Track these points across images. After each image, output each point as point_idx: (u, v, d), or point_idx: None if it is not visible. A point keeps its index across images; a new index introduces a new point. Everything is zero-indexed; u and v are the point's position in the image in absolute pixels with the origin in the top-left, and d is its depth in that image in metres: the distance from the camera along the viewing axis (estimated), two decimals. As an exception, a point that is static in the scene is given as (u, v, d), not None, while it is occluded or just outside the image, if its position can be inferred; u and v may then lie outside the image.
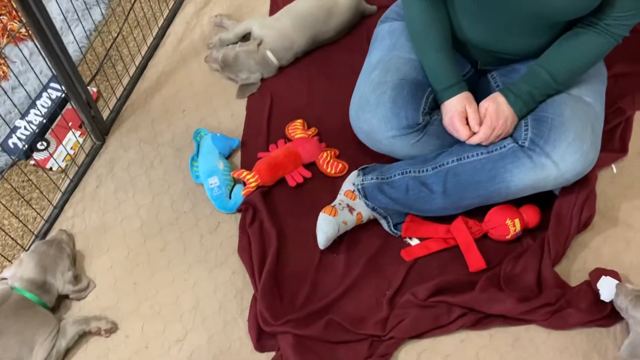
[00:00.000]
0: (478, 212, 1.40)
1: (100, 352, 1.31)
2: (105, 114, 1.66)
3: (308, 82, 1.73)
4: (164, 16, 1.90)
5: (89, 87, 1.60)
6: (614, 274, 1.32)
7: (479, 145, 1.31)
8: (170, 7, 1.92)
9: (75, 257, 1.43)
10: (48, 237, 1.43)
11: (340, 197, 1.45)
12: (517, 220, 1.36)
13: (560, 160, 1.24)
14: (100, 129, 1.62)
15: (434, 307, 1.30)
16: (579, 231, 1.40)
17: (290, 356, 1.24)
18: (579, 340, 1.28)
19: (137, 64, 1.78)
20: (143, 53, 1.81)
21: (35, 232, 1.48)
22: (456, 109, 1.29)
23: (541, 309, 1.27)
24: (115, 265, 1.42)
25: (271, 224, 1.43)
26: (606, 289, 1.28)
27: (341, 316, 1.31)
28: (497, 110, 1.27)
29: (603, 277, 1.29)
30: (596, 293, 1.29)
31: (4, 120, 1.51)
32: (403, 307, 1.31)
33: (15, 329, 1.23)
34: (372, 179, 1.43)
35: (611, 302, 1.27)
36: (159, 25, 1.87)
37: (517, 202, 1.38)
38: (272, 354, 1.28)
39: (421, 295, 1.31)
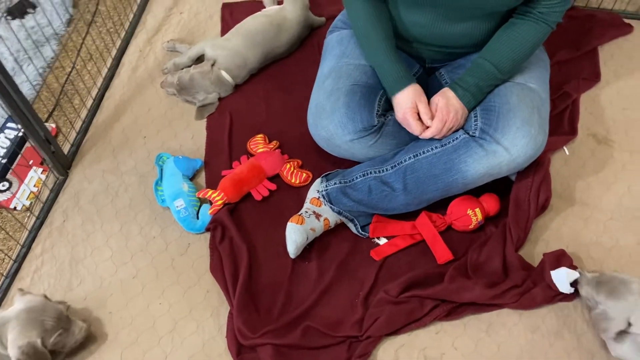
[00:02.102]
0: (440, 206, 1.44)
1: (80, 385, 1.30)
2: (65, 149, 1.66)
3: (265, 97, 1.76)
4: (117, 46, 1.91)
5: (47, 124, 1.61)
6: (561, 255, 1.35)
7: (432, 140, 1.36)
8: (122, 37, 1.94)
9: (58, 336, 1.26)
10: (68, 313, 1.29)
11: (307, 205, 1.48)
12: (478, 210, 1.40)
13: (511, 145, 1.28)
14: (62, 164, 1.62)
15: (407, 303, 1.32)
16: (539, 214, 1.44)
17: (271, 367, 1.25)
18: (549, 319, 1.32)
19: (93, 96, 1.79)
20: (99, 85, 1.82)
21: (4, 273, 1.47)
22: (407, 105, 1.33)
23: (509, 292, 1.31)
24: (89, 297, 1.42)
25: (241, 240, 1.45)
26: (560, 280, 1.29)
27: (318, 322, 1.32)
28: (447, 104, 1.31)
29: (552, 272, 1.30)
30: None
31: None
32: (377, 305, 1.33)
33: None
34: (335, 184, 1.46)
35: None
36: (112, 56, 1.88)
37: (477, 192, 1.42)
38: (254, 367, 1.29)
39: (393, 292, 1.33)
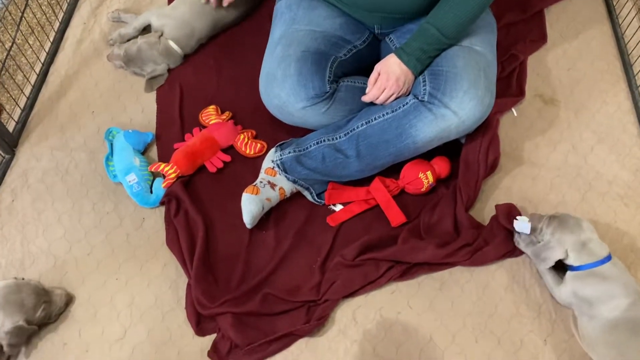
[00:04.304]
0: (393, 171, 1.46)
1: (39, 364, 1.29)
2: (10, 127, 1.61)
3: (216, 67, 1.73)
4: (60, 19, 1.84)
5: (-12, 101, 1.55)
6: (512, 207, 1.41)
7: (383, 106, 1.37)
8: (64, 9, 1.87)
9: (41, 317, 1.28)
10: (46, 287, 1.31)
11: (262, 175, 1.48)
12: (429, 173, 1.43)
13: (459, 108, 1.31)
14: (8, 142, 1.57)
15: (362, 265, 1.35)
16: (488, 174, 1.48)
17: (231, 334, 1.27)
18: (499, 274, 1.37)
19: (37, 71, 1.73)
20: (42, 59, 1.75)
21: (-48, 257, 1.43)
22: None
23: (461, 250, 1.35)
24: (43, 276, 1.40)
25: (196, 212, 1.44)
26: (523, 227, 1.34)
27: (276, 288, 1.34)
28: (387, 71, 1.33)
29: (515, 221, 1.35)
30: (506, 229, 1.38)
31: None
32: (334, 270, 1.35)
33: None
34: (289, 152, 1.46)
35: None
36: (55, 29, 1.82)
37: (428, 156, 1.45)
38: (214, 336, 1.30)
39: (349, 256, 1.36)
